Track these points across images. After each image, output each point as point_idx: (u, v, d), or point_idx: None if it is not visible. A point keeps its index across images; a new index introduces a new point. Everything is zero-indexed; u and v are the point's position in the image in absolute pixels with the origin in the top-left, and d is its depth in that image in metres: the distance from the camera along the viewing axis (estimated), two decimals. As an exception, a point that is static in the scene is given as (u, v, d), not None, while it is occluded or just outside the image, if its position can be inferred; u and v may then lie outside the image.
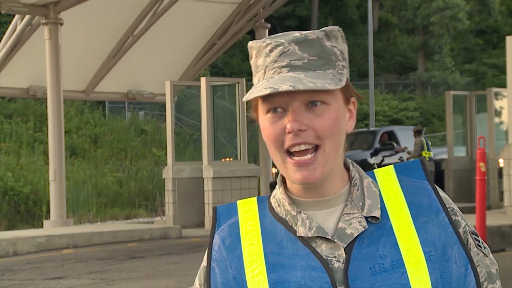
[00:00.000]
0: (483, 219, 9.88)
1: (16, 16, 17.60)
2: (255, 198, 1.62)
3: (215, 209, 1.63)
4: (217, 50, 20.27)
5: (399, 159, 19.59)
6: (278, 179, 1.59)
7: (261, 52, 1.53)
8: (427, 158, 17.78)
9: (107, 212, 19.92)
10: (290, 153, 1.49)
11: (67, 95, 18.21)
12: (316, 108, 1.48)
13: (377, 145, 19.53)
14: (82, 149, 23.95)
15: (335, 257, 1.48)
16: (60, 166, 15.67)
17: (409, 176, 1.59)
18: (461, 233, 1.54)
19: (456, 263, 1.49)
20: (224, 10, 19.30)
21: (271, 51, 1.51)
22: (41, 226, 16.74)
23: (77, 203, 19.38)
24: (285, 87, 1.43)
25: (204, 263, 1.58)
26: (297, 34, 1.51)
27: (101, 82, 19.56)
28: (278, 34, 1.53)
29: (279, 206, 1.56)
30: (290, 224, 1.53)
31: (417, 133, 18.45)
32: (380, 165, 18.29)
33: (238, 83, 15.65)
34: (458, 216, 1.55)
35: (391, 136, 20.18)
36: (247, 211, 1.59)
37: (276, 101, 1.48)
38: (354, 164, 1.59)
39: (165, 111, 17.12)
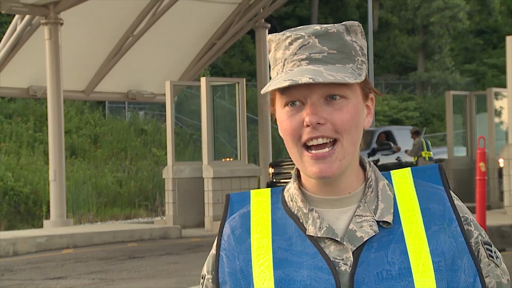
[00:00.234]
0: (483, 219, 9.90)
1: (16, 16, 17.60)
2: (269, 189, 1.60)
3: (228, 197, 1.61)
4: (217, 50, 20.28)
5: (396, 159, 19.58)
6: (293, 174, 1.57)
7: (281, 45, 1.51)
8: (427, 158, 17.76)
9: (107, 212, 19.91)
10: (307, 147, 1.48)
11: (67, 95, 18.21)
12: (335, 102, 1.46)
13: (374, 145, 19.49)
14: (82, 149, 23.93)
15: (342, 259, 1.46)
16: (60, 166, 15.67)
17: (426, 180, 1.57)
18: (473, 243, 1.51)
19: (464, 273, 1.47)
20: (224, 10, 19.30)
21: (290, 44, 1.49)
22: (41, 226, 16.74)
23: (77, 203, 19.37)
24: (304, 79, 1.41)
25: (213, 251, 1.57)
26: (317, 27, 1.49)
27: (101, 82, 19.57)
28: (297, 27, 1.51)
29: (291, 201, 1.54)
30: (301, 221, 1.51)
31: (415, 134, 18.39)
32: (375, 165, 18.19)
33: (238, 83, 15.64)
34: (471, 226, 1.53)
35: (389, 136, 20.15)
36: (260, 202, 1.57)
37: (294, 94, 1.46)
38: (371, 163, 1.56)
39: (165, 111, 17.13)
